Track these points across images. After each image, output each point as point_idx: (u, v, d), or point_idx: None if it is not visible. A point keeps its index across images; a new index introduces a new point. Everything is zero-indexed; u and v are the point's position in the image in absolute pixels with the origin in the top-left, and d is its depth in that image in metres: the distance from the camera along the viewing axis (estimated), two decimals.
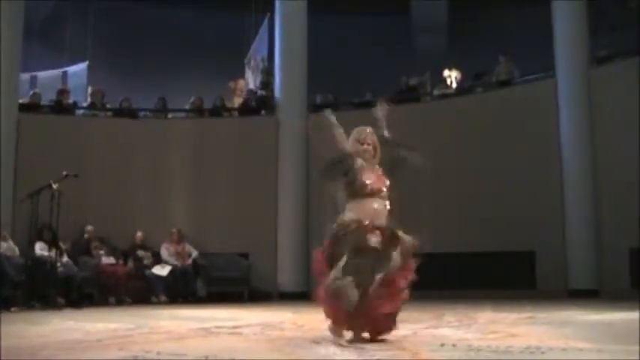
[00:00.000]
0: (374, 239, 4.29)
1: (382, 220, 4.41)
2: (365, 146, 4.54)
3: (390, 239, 4.37)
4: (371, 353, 4.01)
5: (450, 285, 11.17)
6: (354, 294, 4.22)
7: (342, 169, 4.50)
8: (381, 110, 4.78)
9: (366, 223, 4.34)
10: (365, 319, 4.39)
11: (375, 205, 4.43)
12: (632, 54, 10.88)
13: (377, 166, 4.57)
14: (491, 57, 12.71)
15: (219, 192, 12.36)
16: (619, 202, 10.36)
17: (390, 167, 4.62)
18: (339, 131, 4.68)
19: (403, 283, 4.47)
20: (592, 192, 10.78)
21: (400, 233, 4.43)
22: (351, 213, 4.42)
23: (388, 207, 4.50)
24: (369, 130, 4.61)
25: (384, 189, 4.50)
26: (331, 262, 4.35)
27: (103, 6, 15.71)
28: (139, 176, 12.33)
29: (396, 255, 4.38)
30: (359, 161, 4.50)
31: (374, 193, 4.44)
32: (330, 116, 4.71)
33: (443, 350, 4.12)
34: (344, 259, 4.26)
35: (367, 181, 4.44)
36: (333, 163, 4.55)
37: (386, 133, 4.70)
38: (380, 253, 4.30)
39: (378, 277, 4.29)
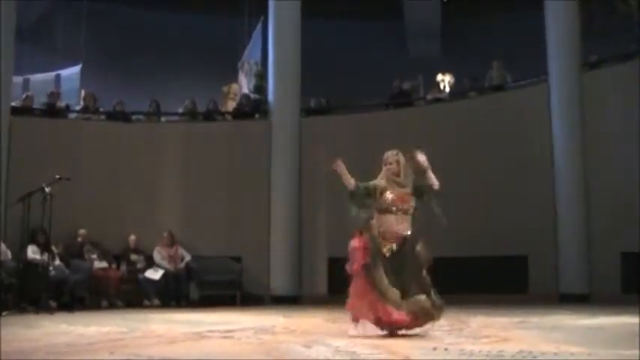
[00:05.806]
0: (386, 249, 5.30)
1: (399, 231, 5.34)
2: (388, 166, 5.50)
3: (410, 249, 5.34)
4: (362, 356, 4.02)
5: (441, 289, 11.14)
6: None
7: (366, 194, 5.40)
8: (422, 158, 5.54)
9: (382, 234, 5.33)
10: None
11: (393, 219, 5.35)
12: (623, 58, 10.93)
13: (404, 186, 5.45)
14: (484, 62, 12.75)
15: (212, 195, 12.33)
16: (610, 206, 10.38)
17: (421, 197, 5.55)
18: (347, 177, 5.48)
19: None
20: (584, 196, 10.79)
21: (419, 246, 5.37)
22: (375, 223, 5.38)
23: (409, 220, 5.44)
24: (391, 152, 5.56)
25: (406, 206, 5.42)
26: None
27: (96, 9, 15.67)
28: (131, 180, 12.27)
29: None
30: (382, 183, 5.44)
31: (394, 209, 5.37)
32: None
33: (435, 354, 4.13)
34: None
35: (389, 197, 5.37)
36: (353, 194, 5.42)
37: (433, 183, 5.55)
38: (391, 261, 5.28)
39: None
